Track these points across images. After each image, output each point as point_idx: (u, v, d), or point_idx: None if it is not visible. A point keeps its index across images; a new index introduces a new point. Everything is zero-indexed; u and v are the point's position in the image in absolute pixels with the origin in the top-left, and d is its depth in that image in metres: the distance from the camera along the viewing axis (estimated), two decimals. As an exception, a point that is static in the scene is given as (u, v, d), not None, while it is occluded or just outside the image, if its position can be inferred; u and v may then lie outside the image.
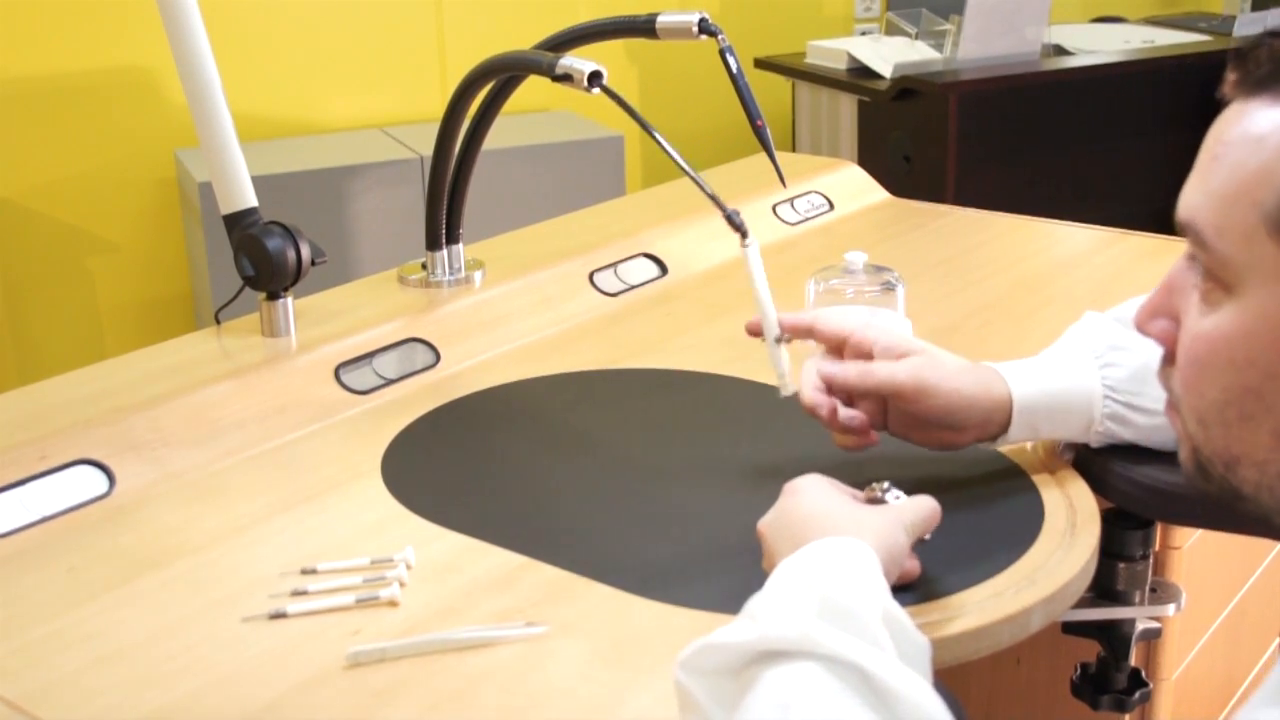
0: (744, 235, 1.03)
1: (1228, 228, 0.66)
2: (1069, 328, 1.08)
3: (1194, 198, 0.69)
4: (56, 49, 2.82)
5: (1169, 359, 0.72)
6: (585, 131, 3.07)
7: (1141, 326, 0.73)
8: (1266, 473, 0.67)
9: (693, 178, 1.09)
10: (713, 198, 1.06)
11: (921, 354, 1.00)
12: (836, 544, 0.80)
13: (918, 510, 0.87)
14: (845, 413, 1.00)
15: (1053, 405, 1.01)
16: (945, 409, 0.98)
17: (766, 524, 0.88)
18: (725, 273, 1.59)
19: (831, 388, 1.01)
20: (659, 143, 1.10)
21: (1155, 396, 0.98)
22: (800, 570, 0.77)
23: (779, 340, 1.04)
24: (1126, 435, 1.02)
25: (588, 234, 1.61)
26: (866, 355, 1.02)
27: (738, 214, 1.04)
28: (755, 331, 1.05)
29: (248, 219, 1.29)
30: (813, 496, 0.88)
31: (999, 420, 1.00)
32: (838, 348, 1.04)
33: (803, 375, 1.03)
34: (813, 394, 1.01)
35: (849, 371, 1.00)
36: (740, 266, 1.61)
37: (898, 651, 0.72)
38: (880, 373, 0.99)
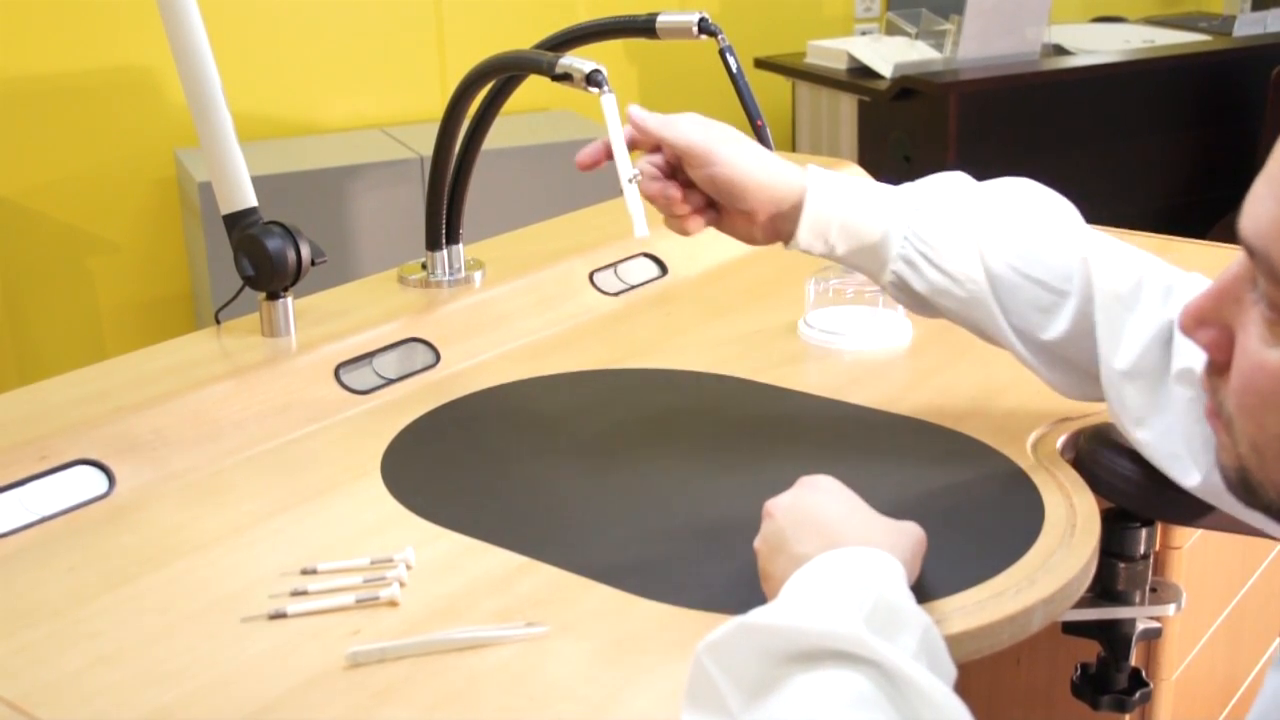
0: (600, 89, 1.10)
1: None
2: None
3: (1264, 221, 0.61)
4: (56, 49, 2.82)
5: (1218, 369, 0.68)
6: (585, 131, 3.07)
7: (1188, 332, 0.68)
8: None
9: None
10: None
11: (725, 132, 1.04)
12: (878, 555, 0.80)
13: (921, 534, 0.87)
14: (656, 185, 1.05)
15: (847, 221, 1.04)
16: (728, 180, 1.03)
17: (782, 509, 0.86)
18: (725, 273, 1.59)
19: (639, 141, 1.06)
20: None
21: (953, 258, 1.02)
22: (844, 571, 0.77)
23: (631, 180, 1.06)
24: (918, 286, 1.03)
25: (588, 234, 1.61)
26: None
27: (598, 72, 1.12)
28: (588, 165, 1.08)
29: (248, 219, 1.29)
30: (839, 499, 0.87)
31: (787, 211, 1.04)
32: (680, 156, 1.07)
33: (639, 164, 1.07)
34: (648, 183, 1.06)
35: (649, 120, 1.05)
36: (742, 266, 1.61)
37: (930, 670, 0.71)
38: (676, 126, 1.04)
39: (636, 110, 1.06)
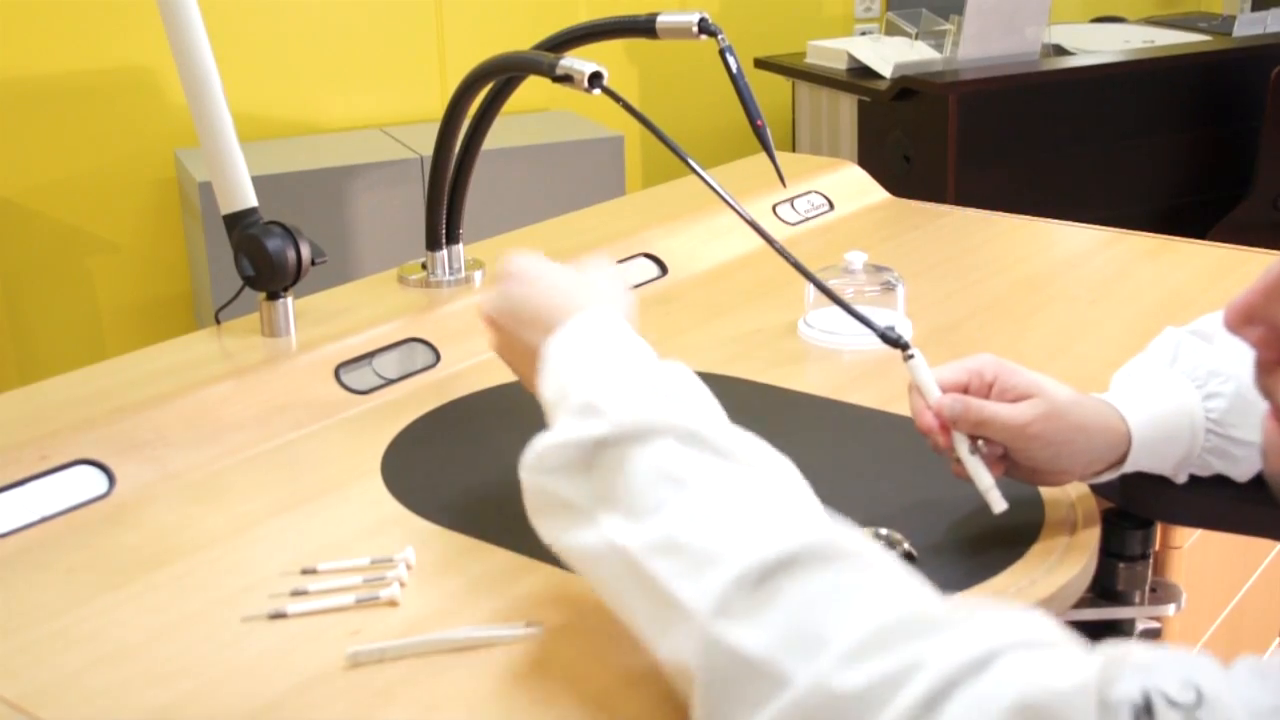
0: (905, 349, 0.95)
1: None
2: (1151, 343, 1.04)
3: None
4: (56, 49, 2.82)
5: (1266, 368, 0.66)
6: (585, 131, 3.07)
7: (1235, 328, 0.65)
8: None
9: (769, 241, 1.03)
10: (834, 297, 1.01)
11: (1038, 396, 0.93)
12: (607, 320, 0.86)
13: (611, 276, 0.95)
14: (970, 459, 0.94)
15: (1159, 438, 0.96)
16: (1052, 463, 0.94)
17: (501, 313, 0.93)
18: (725, 273, 1.59)
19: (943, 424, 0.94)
20: (697, 172, 1.08)
21: (1252, 425, 0.94)
22: (602, 354, 0.84)
23: (974, 451, 0.93)
24: (1219, 467, 0.98)
25: (588, 234, 1.61)
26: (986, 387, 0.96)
27: (893, 329, 0.96)
28: (930, 430, 0.94)
29: (248, 219, 1.29)
30: (548, 277, 0.92)
31: (1110, 459, 0.96)
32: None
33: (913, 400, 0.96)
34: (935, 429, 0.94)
35: (962, 421, 0.93)
36: (742, 266, 1.61)
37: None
38: (996, 422, 0.92)
39: (941, 400, 0.94)
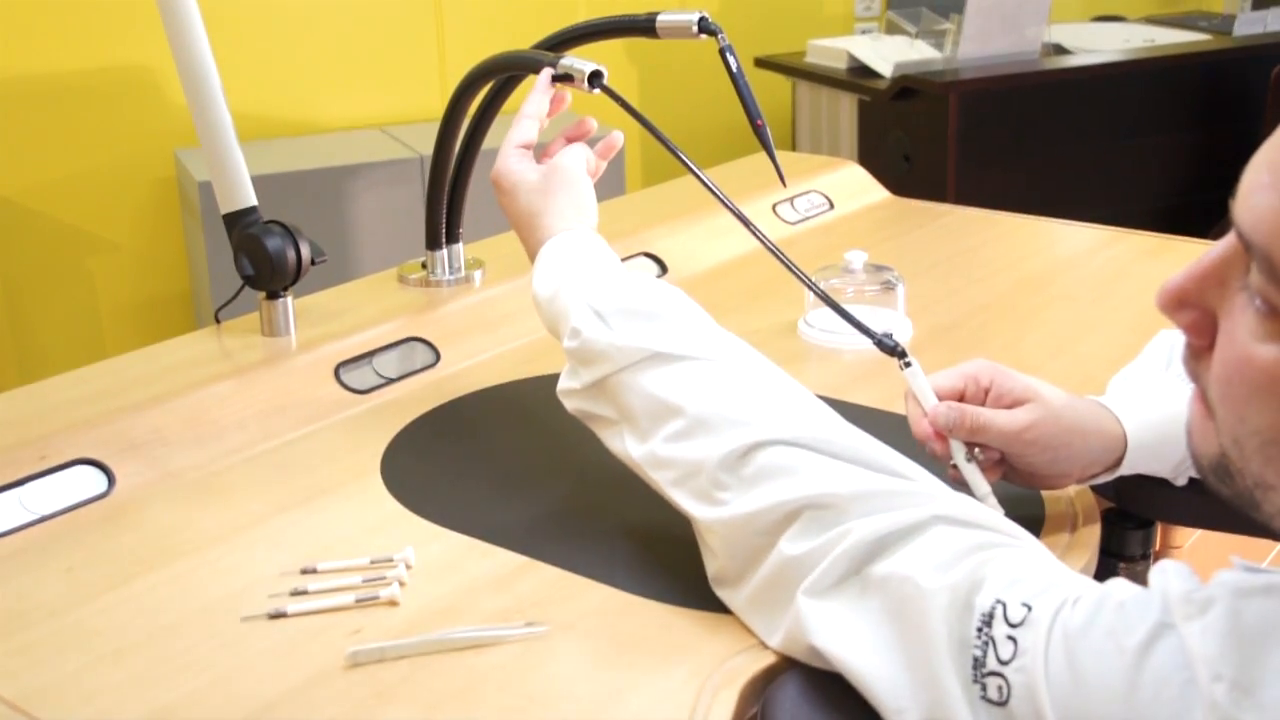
0: (902, 357, 0.96)
1: None
2: (1146, 347, 1.04)
3: (1264, 213, 0.58)
4: (56, 49, 2.82)
5: (1196, 352, 0.65)
6: (585, 131, 3.07)
7: (1168, 312, 0.64)
8: None
9: (768, 245, 1.08)
10: (832, 304, 1.01)
11: (1034, 401, 0.93)
12: (576, 242, 1.07)
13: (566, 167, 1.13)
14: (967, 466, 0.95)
15: (1155, 441, 0.95)
16: (1049, 468, 0.94)
17: (507, 200, 1.09)
18: (725, 272, 1.59)
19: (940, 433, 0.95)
20: (695, 173, 1.11)
21: None
22: (577, 281, 0.99)
23: (970, 459, 0.93)
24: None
25: (588, 234, 1.60)
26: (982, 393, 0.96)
27: (889, 336, 0.97)
28: (927, 439, 0.95)
29: (247, 218, 1.29)
30: (512, 198, 1.09)
31: (1107, 462, 0.96)
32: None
33: (910, 409, 0.97)
34: (932, 438, 0.95)
35: (958, 428, 0.93)
36: (742, 266, 1.61)
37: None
38: (992, 429, 0.93)
39: (937, 409, 0.94)
